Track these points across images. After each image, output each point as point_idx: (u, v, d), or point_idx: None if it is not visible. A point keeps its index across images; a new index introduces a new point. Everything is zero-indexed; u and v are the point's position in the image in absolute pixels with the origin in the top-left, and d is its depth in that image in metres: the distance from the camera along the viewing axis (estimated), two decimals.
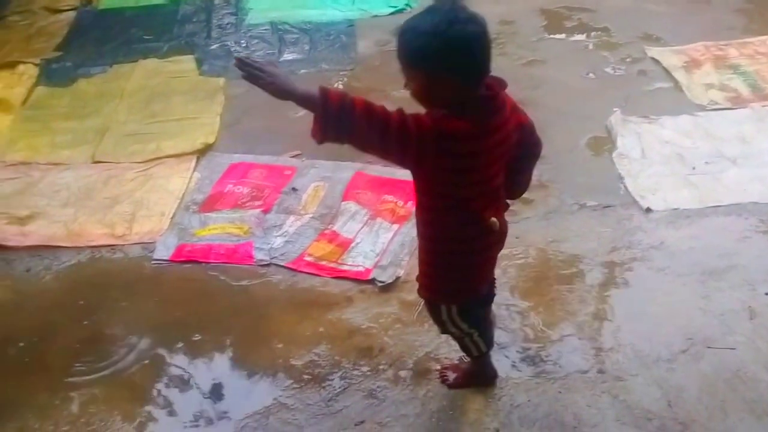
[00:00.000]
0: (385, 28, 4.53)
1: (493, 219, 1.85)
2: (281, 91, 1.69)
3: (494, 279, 2.21)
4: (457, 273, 1.97)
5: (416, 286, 2.35)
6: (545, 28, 4.60)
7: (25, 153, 3.62)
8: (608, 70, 4.12)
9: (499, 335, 2.48)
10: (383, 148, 1.72)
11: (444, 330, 2.13)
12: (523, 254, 2.83)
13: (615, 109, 3.67)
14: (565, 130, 3.57)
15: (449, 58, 1.65)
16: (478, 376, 2.30)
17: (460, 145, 1.71)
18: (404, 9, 4.82)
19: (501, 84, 1.78)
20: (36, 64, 4.39)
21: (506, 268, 2.76)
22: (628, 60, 4.19)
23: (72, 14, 5.04)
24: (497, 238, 1.94)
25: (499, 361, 2.38)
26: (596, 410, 2.22)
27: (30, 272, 2.90)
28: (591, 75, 4.07)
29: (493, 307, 2.58)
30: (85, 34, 4.81)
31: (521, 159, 1.90)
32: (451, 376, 2.33)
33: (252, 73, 1.69)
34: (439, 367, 2.38)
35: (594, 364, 2.37)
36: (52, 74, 4.33)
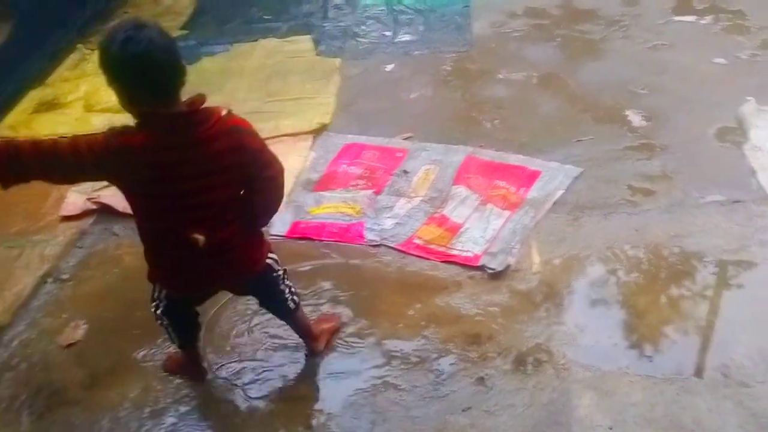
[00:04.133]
0: (500, 9, 4.45)
1: (197, 236, 1.92)
2: None
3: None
4: (161, 268, 2.11)
5: (527, 275, 2.32)
6: (673, 10, 4.36)
7: None
8: (741, 55, 3.87)
9: (615, 332, 2.41)
10: (64, 173, 1.87)
11: (153, 309, 2.22)
12: (644, 248, 2.72)
13: (748, 98, 3.45)
14: (692, 119, 3.39)
15: (115, 74, 1.76)
16: (183, 367, 2.44)
17: (136, 158, 1.81)
18: None
19: (197, 103, 1.83)
20: None
21: (623, 262, 2.67)
22: (764, 45, 3.91)
23: None
24: (206, 252, 1.96)
25: (613, 357, 2.32)
26: (717, 415, 2.12)
27: None
28: (722, 60, 3.83)
29: (608, 301, 2.51)
30: (208, 13, 5.02)
31: (249, 181, 1.97)
32: (170, 362, 2.48)
33: None
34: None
35: (717, 367, 2.25)
36: None
